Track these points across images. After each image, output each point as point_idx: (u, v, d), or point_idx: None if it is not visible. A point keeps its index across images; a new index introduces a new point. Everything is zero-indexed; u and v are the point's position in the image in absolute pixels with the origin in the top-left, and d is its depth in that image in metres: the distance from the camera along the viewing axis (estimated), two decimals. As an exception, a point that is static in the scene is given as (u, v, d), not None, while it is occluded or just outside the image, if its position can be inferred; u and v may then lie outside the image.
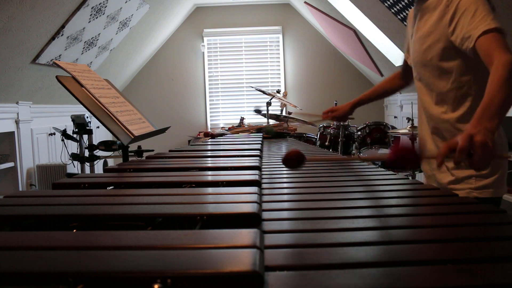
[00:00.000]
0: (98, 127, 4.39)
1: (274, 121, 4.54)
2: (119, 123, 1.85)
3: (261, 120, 5.23)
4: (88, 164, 3.23)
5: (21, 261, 0.54)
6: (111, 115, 1.86)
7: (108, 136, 4.36)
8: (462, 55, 1.32)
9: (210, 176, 1.34)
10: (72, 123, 3.31)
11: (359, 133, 3.67)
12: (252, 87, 4.79)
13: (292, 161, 1.06)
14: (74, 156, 3.24)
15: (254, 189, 0.98)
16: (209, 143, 2.45)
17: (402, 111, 5.07)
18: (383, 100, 5.86)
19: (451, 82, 1.37)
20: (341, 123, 3.62)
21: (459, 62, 1.34)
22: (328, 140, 3.72)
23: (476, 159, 0.95)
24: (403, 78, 1.74)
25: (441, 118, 1.42)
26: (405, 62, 1.67)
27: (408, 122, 3.34)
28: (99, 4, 3.53)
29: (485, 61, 1.20)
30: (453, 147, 0.98)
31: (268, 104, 4.30)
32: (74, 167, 4.14)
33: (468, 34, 1.23)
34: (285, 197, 1.07)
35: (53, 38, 3.38)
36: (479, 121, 1.04)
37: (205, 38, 5.97)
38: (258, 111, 2.06)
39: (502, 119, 1.08)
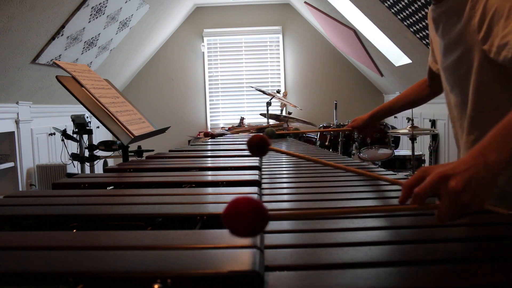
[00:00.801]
0: (98, 127, 4.39)
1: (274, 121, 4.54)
2: (119, 123, 1.85)
3: (261, 120, 5.23)
4: (88, 164, 3.23)
5: (21, 261, 0.54)
6: (111, 115, 1.86)
7: (108, 136, 4.36)
8: (501, 67, 1.02)
9: (210, 176, 1.34)
10: (72, 123, 3.31)
11: (359, 133, 3.67)
12: (252, 87, 4.79)
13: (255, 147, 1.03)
14: (74, 156, 3.24)
15: (254, 189, 0.98)
16: (209, 143, 2.45)
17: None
18: (383, 99, 5.86)
19: (484, 102, 1.09)
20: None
21: (497, 76, 1.06)
22: (328, 140, 3.72)
23: (441, 209, 0.66)
24: (430, 85, 1.47)
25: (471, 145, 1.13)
26: (430, 69, 1.41)
27: (408, 122, 3.34)
28: (99, 4, 3.53)
29: None
30: (416, 185, 0.69)
31: (268, 104, 4.30)
32: (74, 167, 4.14)
33: (504, 40, 0.95)
34: (285, 197, 1.07)
35: (53, 38, 3.38)
36: (481, 150, 0.71)
37: (205, 38, 5.97)
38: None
39: None
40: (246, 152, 1.78)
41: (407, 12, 3.24)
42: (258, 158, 1.58)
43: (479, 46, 1.04)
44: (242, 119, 5.56)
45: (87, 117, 3.29)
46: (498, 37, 0.97)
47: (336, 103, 3.98)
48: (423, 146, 4.54)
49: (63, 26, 3.37)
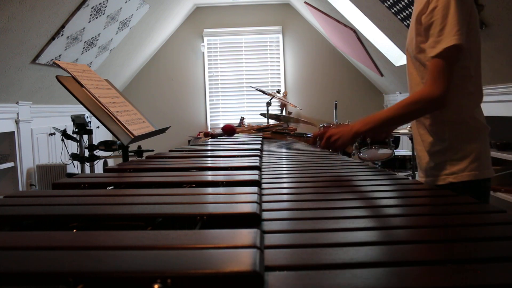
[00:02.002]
0: (98, 127, 4.39)
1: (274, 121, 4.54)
2: (119, 123, 1.85)
3: (261, 120, 5.23)
4: (88, 164, 3.23)
5: (21, 261, 0.54)
6: (111, 115, 1.85)
7: (108, 136, 4.36)
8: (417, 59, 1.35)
9: (210, 176, 1.34)
10: (72, 123, 3.31)
11: (359, 133, 3.66)
12: (252, 87, 4.79)
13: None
14: (74, 156, 3.24)
15: (254, 189, 0.98)
16: (209, 143, 2.45)
17: (402, 111, 5.06)
18: (383, 99, 5.86)
19: (409, 79, 1.40)
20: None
21: (414, 62, 1.36)
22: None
23: (321, 144, 1.43)
24: None
25: None
26: None
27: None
28: (99, 4, 3.53)
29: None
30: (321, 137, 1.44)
31: (268, 104, 4.30)
32: (74, 167, 4.14)
33: (429, 46, 1.25)
34: (285, 197, 1.07)
35: (53, 38, 3.38)
36: (355, 122, 1.37)
37: (205, 38, 5.97)
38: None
39: (376, 129, 1.34)
40: (246, 152, 1.79)
41: (407, 12, 3.24)
42: (258, 158, 1.58)
43: (417, 34, 1.31)
44: (242, 119, 5.56)
45: (87, 117, 3.29)
46: (428, 41, 1.25)
47: (336, 103, 3.98)
48: (423, 146, 4.53)
49: (63, 26, 3.37)
